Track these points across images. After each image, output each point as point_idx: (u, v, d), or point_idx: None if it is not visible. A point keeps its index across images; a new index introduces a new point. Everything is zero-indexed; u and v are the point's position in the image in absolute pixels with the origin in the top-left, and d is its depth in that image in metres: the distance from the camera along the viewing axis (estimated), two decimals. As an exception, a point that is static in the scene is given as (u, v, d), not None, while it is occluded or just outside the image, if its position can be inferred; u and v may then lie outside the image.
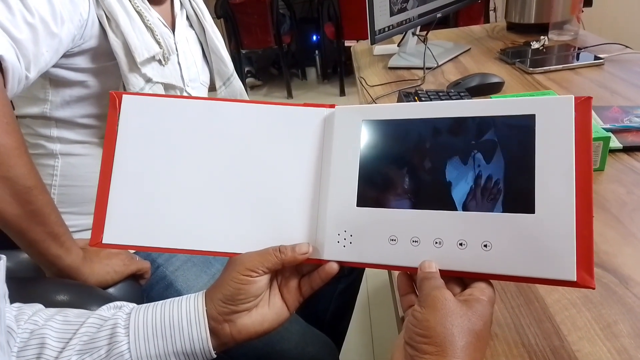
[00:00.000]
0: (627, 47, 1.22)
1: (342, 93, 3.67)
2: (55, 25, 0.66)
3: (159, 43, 0.81)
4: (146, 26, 0.80)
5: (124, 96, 0.51)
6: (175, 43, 0.90)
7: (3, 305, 0.43)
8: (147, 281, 0.82)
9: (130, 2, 0.78)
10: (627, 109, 0.85)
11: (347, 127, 0.48)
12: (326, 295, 0.99)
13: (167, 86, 0.84)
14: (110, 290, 0.74)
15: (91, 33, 0.75)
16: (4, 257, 0.36)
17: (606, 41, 1.27)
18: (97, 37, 0.76)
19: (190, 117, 0.51)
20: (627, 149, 0.74)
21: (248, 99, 1.09)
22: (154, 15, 0.84)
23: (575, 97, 0.41)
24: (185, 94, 0.91)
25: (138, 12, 0.79)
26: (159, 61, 0.82)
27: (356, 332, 1.52)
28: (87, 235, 0.82)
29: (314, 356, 0.81)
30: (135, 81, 0.77)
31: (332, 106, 0.50)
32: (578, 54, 1.22)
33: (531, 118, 0.42)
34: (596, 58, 1.15)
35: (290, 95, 3.74)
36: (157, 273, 0.84)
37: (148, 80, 0.79)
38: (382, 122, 0.47)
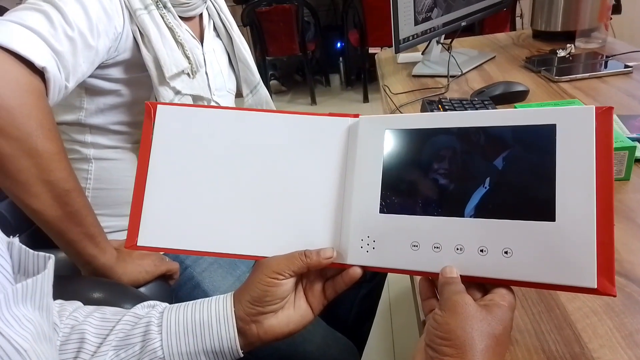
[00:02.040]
0: (656, 54, 1.20)
1: (366, 100, 3.68)
2: (92, 38, 0.70)
3: (188, 58, 0.84)
4: (177, 42, 0.83)
5: (159, 106, 0.54)
6: (203, 54, 0.94)
7: (51, 301, 0.46)
8: (176, 281, 0.85)
9: (162, 18, 0.81)
10: (654, 118, 0.84)
11: (371, 136, 0.50)
12: (348, 299, 1.00)
13: (195, 97, 0.87)
14: (142, 289, 0.78)
15: (125, 46, 0.78)
16: (53, 256, 0.38)
17: (635, 49, 1.25)
18: (130, 50, 0.79)
19: (221, 126, 0.53)
20: (654, 159, 0.74)
21: (274, 106, 1.12)
22: (184, 30, 0.88)
23: (596, 108, 0.42)
24: (212, 103, 0.94)
25: (170, 28, 0.82)
26: (188, 74, 0.85)
27: (378, 338, 1.52)
28: (119, 236, 0.87)
29: (336, 358, 0.83)
30: (165, 94, 0.81)
31: (356, 116, 0.52)
32: (606, 62, 1.21)
33: (552, 128, 0.43)
34: (625, 66, 1.14)
35: (314, 102, 3.77)
36: (186, 274, 0.87)
37: (177, 92, 0.83)
38: (405, 132, 0.49)
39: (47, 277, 0.37)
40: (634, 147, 0.69)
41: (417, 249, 0.46)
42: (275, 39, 3.57)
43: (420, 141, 0.48)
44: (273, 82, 4.00)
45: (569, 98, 1.03)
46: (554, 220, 0.41)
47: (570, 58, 1.28)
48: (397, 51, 1.18)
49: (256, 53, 3.63)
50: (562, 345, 0.45)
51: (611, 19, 1.36)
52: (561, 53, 1.30)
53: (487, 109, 0.93)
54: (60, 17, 0.67)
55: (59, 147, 0.64)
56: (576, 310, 0.49)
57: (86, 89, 0.81)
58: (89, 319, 0.50)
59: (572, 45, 1.32)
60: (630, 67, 1.13)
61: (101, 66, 0.77)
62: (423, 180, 0.47)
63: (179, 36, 0.83)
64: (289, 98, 4.03)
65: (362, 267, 0.49)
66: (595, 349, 0.44)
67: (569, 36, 1.39)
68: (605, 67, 1.18)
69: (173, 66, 0.80)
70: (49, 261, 0.38)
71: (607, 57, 1.24)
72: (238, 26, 1.05)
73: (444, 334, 0.38)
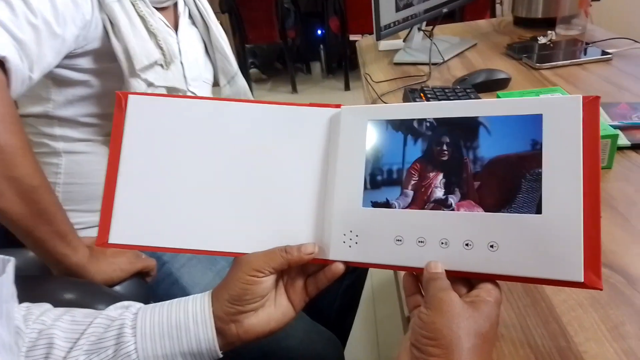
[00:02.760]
0: (635, 41, 1.20)
1: (347, 87, 3.65)
2: (57, 26, 0.66)
3: (161, 48, 0.80)
4: (149, 31, 0.79)
5: (130, 96, 0.51)
6: (178, 43, 0.90)
7: (12, 306, 0.44)
8: (154, 278, 0.83)
9: (133, 6, 0.77)
10: (635, 105, 0.84)
11: (353, 127, 0.48)
12: (331, 291, 0.99)
13: (169, 89, 0.83)
14: (117, 288, 0.75)
15: (94, 35, 0.74)
16: (12, 259, 0.36)
17: (615, 36, 1.26)
18: (100, 39, 0.76)
19: (196, 117, 0.51)
20: (636, 147, 0.74)
21: (252, 96, 1.09)
22: (157, 18, 0.84)
23: (583, 97, 0.41)
24: (188, 94, 0.91)
25: (141, 17, 0.78)
26: (161, 65, 0.81)
27: (361, 328, 1.52)
28: (93, 232, 0.83)
29: (319, 353, 0.82)
30: (137, 85, 0.77)
31: (338, 106, 0.50)
32: (586, 49, 1.21)
33: (538, 118, 0.42)
34: (604, 53, 1.14)
35: (295, 90, 3.73)
36: (163, 270, 0.85)
37: (150, 84, 0.79)
38: (388, 122, 0.47)
39: (5, 281, 0.34)
40: (616, 135, 0.68)
41: (401, 244, 0.44)
42: (254, 26, 3.51)
43: (404, 132, 0.46)
44: (253, 71, 3.94)
45: (551, 86, 1.02)
46: (540, 213, 0.40)
47: (551, 45, 1.27)
48: (379, 38, 1.16)
49: (235, 40, 3.57)
50: (548, 339, 0.45)
51: (591, 5, 1.36)
52: (542, 40, 1.30)
53: (470, 97, 0.92)
54: (22, 4, 0.63)
55: (22, 142, 0.61)
56: (562, 303, 0.48)
57: (53, 79, 0.77)
58: (57, 322, 0.47)
59: (553, 32, 1.32)
60: (610, 54, 1.13)
61: (69, 56, 0.73)
62: (407, 173, 0.45)
63: (151, 25, 0.79)
64: (269, 86, 3.98)
65: (345, 262, 0.47)
66: (581, 342, 0.44)
67: (549, 23, 1.39)
68: (585, 54, 1.19)
69: (144, 57, 0.77)
70: (8, 264, 0.36)
71: (587, 44, 1.24)
72: (216, 13, 1.01)
73: (430, 334, 0.37)
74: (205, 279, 0.85)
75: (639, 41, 1.20)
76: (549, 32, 1.32)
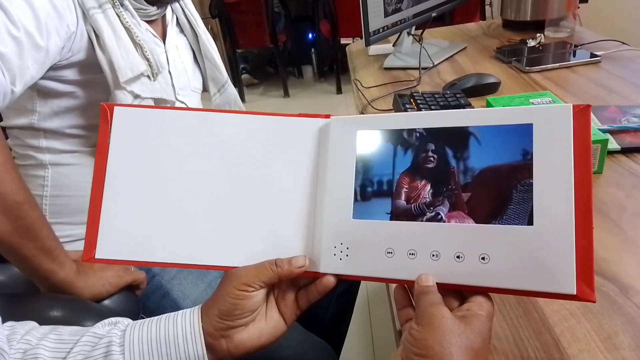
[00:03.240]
0: (624, 43, 1.21)
1: (339, 91, 3.65)
2: (41, 38, 0.65)
3: (148, 60, 0.79)
4: (134, 43, 0.78)
5: (116, 108, 0.50)
6: (166, 52, 0.89)
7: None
8: (143, 291, 0.82)
9: (119, 17, 0.76)
10: (624, 108, 0.84)
11: (343, 137, 0.48)
12: (325, 298, 0.97)
13: (157, 100, 0.82)
14: (106, 302, 0.74)
15: (80, 46, 0.73)
16: None
17: (603, 38, 1.26)
18: (85, 50, 0.74)
19: (184, 129, 0.50)
20: (626, 151, 0.74)
21: (242, 106, 1.08)
22: (143, 29, 0.82)
23: (573, 106, 0.41)
24: (177, 104, 0.90)
25: (127, 28, 0.77)
26: (148, 77, 0.80)
27: (356, 333, 1.51)
28: (81, 245, 0.81)
29: (313, 362, 0.81)
30: (122, 97, 0.75)
31: (328, 116, 0.50)
32: (574, 52, 1.22)
33: (529, 128, 0.41)
34: (593, 56, 1.14)
35: (287, 94, 3.72)
36: (153, 282, 0.84)
37: (136, 96, 0.78)
38: (378, 133, 0.47)
39: None
40: (606, 140, 0.68)
41: (391, 256, 0.44)
42: (245, 30, 3.50)
43: (394, 143, 0.46)
44: (245, 76, 3.92)
45: (540, 89, 1.03)
46: (532, 224, 0.40)
47: (540, 48, 1.28)
48: (368, 44, 1.16)
49: (226, 45, 3.56)
50: (541, 351, 0.44)
51: (579, 7, 1.37)
52: (531, 43, 1.30)
53: (460, 102, 0.91)
54: (3, 15, 0.62)
55: (5, 157, 0.60)
56: (554, 314, 0.48)
57: (38, 91, 0.76)
58: (43, 341, 0.46)
59: (542, 35, 1.33)
60: (599, 56, 1.14)
61: (54, 67, 0.72)
62: (398, 184, 0.45)
63: (137, 37, 0.78)
64: (261, 91, 3.97)
65: (336, 275, 0.47)
66: (574, 354, 0.43)
67: (538, 25, 1.39)
68: (574, 56, 1.19)
69: (128, 70, 0.75)
70: None
71: (576, 46, 1.24)
72: (206, 18, 1.01)
73: (421, 350, 0.36)
74: (196, 291, 0.84)
75: (627, 43, 1.21)
76: (538, 34, 1.32)
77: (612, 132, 0.77)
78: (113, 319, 0.50)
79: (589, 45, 1.23)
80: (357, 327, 1.53)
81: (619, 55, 1.15)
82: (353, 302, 1.09)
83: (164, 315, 0.48)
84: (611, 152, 0.73)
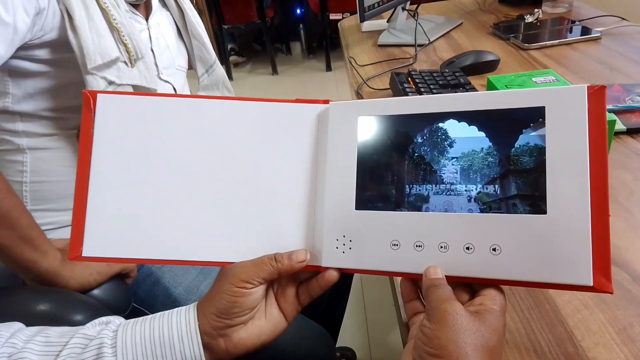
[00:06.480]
0: (623, 19, 1.18)
1: (329, 68, 3.58)
2: (6, 13, 0.59)
3: (125, 45, 0.73)
4: (111, 26, 0.72)
5: (99, 95, 0.46)
6: (148, 28, 0.84)
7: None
8: (134, 279, 0.79)
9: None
10: (628, 87, 0.82)
11: (343, 124, 0.45)
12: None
13: (136, 88, 0.76)
14: (96, 292, 0.71)
15: (52, 25, 0.68)
16: None
17: (602, 13, 1.23)
18: (58, 29, 0.69)
19: (173, 117, 0.46)
20: (631, 131, 0.72)
21: (230, 86, 1.03)
22: (122, 10, 0.76)
23: (588, 87, 0.38)
24: (161, 84, 0.85)
25: (103, 9, 0.71)
26: (125, 63, 0.74)
27: (351, 315, 1.51)
28: (65, 233, 0.79)
29: (310, 348, 0.80)
30: (94, 83, 0.70)
31: (327, 102, 0.46)
32: (572, 28, 1.19)
33: (540, 111, 0.39)
34: (593, 32, 1.12)
35: (275, 72, 3.65)
36: (143, 270, 0.81)
37: (110, 82, 0.72)
38: (381, 118, 0.43)
39: None
40: (614, 121, 0.66)
41: (397, 248, 0.42)
42: (231, 5, 3.41)
43: (398, 129, 0.43)
44: (232, 57, 3.82)
45: (540, 67, 1.00)
46: (545, 212, 0.37)
47: (538, 24, 1.24)
48: (363, 20, 1.12)
49: (212, 21, 3.46)
50: (554, 345, 0.42)
51: (576, -18, 1.34)
52: (529, 18, 1.27)
53: (459, 81, 0.88)
54: None
55: None
56: (566, 305, 0.46)
57: (10, 71, 0.70)
58: (29, 344, 0.43)
59: (540, 10, 1.29)
60: (599, 32, 1.11)
61: (25, 47, 0.66)
62: (402, 173, 0.42)
63: (114, 20, 0.72)
64: (248, 68, 3.88)
65: (339, 269, 0.44)
66: (589, 347, 0.42)
67: (535, 0, 1.36)
68: (572, 32, 1.16)
69: (97, 56, 0.69)
70: None
71: (574, 22, 1.21)
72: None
73: (435, 350, 0.34)
74: (188, 278, 0.81)
75: (627, 19, 1.18)
76: (536, 10, 1.29)
77: (617, 112, 0.74)
78: (104, 319, 0.47)
79: (587, 20, 1.20)
80: (351, 308, 1.53)
81: (619, 32, 1.13)
82: (349, 286, 1.08)
83: (157, 314, 0.45)
84: (617, 133, 0.71)
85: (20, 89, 0.72)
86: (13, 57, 0.65)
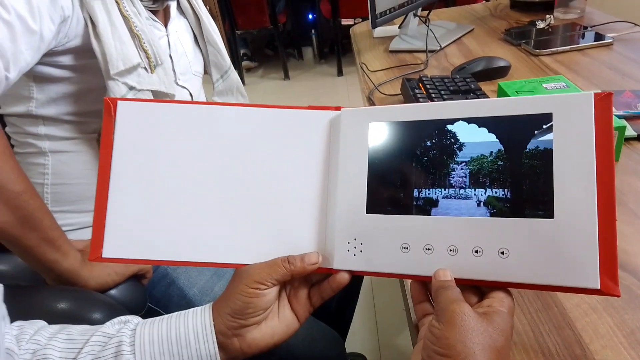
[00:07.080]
0: (636, 24, 1.18)
1: (340, 73, 3.60)
2: (33, 21, 0.62)
3: (145, 51, 0.76)
4: (132, 33, 0.75)
5: (119, 102, 0.48)
6: (167, 35, 0.86)
7: (2, 326, 0.42)
8: (149, 280, 0.81)
9: (118, 5, 0.73)
10: (639, 93, 0.82)
11: (354, 130, 0.46)
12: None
13: (155, 93, 0.79)
14: (113, 292, 0.73)
15: (76, 32, 0.70)
16: (1, 285, 0.33)
17: (614, 19, 1.23)
18: (82, 36, 0.71)
19: (191, 123, 0.48)
20: (642, 137, 0.72)
21: (244, 91, 1.05)
22: (143, 18, 0.78)
23: (594, 94, 0.39)
24: (178, 89, 0.87)
25: (125, 17, 0.73)
26: (145, 69, 0.76)
27: (361, 317, 1.52)
28: (85, 234, 0.81)
29: (321, 350, 0.81)
30: (116, 88, 0.73)
31: (338, 108, 0.48)
32: (584, 33, 1.19)
33: (548, 117, 0.40)
34: (604, 38, 1.12)
35: (287, 76, 3.67)
36: (159, 271, 0.83)
37: (131, 88, 0.75)
38: (392, 124, 0.45)
39: None
40: (624, 127, 0.66)
41: (407, 251, 0.43)
42: (244, 10, 3.44)
43: (407, 134, 0.44)
44: (244, 63, 3.86)
45: (552, 73, 1.00)
46: (552, 217, 0.38)
47: (550, 30, 1.25)
48: (374, 26, 1.13)
49: (225, 26, 3.50)
50: (562, 347, 0.43)
51: (589, -13, 1.33)
52: (540, 24, 1.27)
53: (470, 86, 0.89)
54: None
55: (3, 146, 0.58)
56: (574, 308, 0.46)
57: (34, 77, 0.73)
58: (52, 341, 0.45)
59: (551, 16, 1.29)
60: (611, 38, 1.11)
61: (50, 53, 0.69)
62: (412, 177, 0.43)
63: (135, 27, 0.75)
64: (260, 73, 3.91)
65: (350, 271, 0.45)
66: (597, 350, 0.42)
67: (547, 6, 1.36)
68: (585, 38, 1.16)
69: (120, 62, 0.72)
70: None
71: (586, 28, 1.21)
72: (205, -2, 0.97)
73: (443, 350, 0.35)
74: (202, 279, 0.83)
75: (639, 24, 1.18)
76: (547, 16, 1.29)
77: (628, 118, 0.75)
78: (122, 318, 0.49)
79: (600, 26, 1.20)
80: (361, 311, 1.54)
81: (631, 37, 1.13)
82: (359, 288, 1.09)
83: (174, 314, 0.46)
84: (627, 139, 0.71)
85: (44, 93, 0.74)
86: (38, 63, 0.68)
